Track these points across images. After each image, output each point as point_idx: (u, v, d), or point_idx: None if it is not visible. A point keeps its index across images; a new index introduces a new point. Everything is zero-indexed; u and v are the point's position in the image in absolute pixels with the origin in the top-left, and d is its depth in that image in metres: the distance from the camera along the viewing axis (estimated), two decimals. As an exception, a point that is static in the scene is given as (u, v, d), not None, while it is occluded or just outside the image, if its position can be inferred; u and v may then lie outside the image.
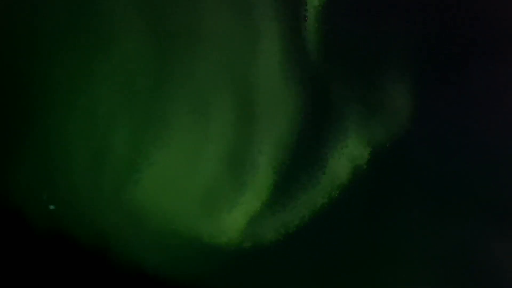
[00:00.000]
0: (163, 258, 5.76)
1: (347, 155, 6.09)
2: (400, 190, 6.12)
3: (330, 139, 6.11)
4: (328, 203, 6.02)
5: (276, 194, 6.02)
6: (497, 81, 6.34)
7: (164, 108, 5.90)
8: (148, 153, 5.86)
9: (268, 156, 6.03)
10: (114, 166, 5.83)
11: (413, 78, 6.30)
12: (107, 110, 5.91)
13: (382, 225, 6.02)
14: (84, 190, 5.82)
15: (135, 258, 5.70)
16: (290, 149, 6.07)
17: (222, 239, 5.78)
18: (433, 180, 6.13)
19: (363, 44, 6.25)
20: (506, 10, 6.43)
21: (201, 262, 5.81)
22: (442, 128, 6.25)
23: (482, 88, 6.28)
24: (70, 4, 6.11)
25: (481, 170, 6.12)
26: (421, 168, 6.13)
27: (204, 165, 5.97)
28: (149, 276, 5.70)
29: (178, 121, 5.96)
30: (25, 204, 5.71)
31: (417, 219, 6.07)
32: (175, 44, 6.07)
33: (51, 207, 5.69)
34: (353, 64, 6.28)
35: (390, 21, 6.32)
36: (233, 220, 5.87)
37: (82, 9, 6.12)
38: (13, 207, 5.68)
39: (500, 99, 6.29)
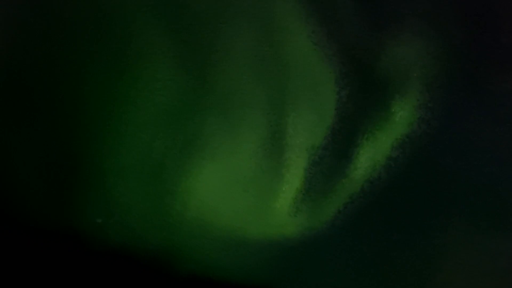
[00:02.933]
0: (223, 263, 5.95)
1: (377, 150, 6.24)
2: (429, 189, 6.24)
3: (360, 134, 6.25)
4: (358, 197, 6.19)
5: (310, 187, 6.18)
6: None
7: (202, 123, 6.05)
8: (194, 166, 6.02)
9: (303, 149, 6.19)
10: (165, 182, 6.02)
11: (442, 83, 6.41)
12: (152, 131, 6.06)
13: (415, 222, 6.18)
14: (140, 208, 6.00)
15: (196, 267, 5.89)
16: (324, 144, 6.20)
17: (273, 234, 5.96)
18: (462, 184, 6.24)
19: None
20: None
21: (257, 259, 6.00)
22: (470, 132, 6.34)
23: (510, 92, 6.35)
24: (104, 33, 6.21)
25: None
26: (449, 172, 6.24)
27: (243, 166, 6.14)
28: (212, 282, 5.88)
29: (217, 133, 6.13)
30: (81, 223, 5.87)
31: (452, 221, 6.20)
32: (206, 62, 6.19)
33: (98, 220, 5.86)
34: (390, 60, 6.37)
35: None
36: (280, 214, 6.05)
37: (114, 37, 6.23)
38: (70, 225, 5.85)
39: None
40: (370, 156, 6.26)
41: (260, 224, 6.13)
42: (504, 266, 6.11)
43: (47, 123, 6.09)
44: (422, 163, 6.25)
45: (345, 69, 6.32)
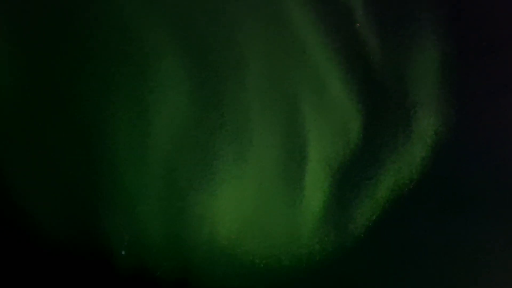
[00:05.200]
0: (243, 282, 5.83)
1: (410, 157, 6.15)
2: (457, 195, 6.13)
3: (393, 140, 6.17)
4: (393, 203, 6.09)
5: (335, 198, 6.10)
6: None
7: (221, 147, 6.05)
8: (217, 189, 6.02)
9: (326, 158, 6.13)
10: (187, 207, 6.02)
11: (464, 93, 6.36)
12: (173, 158, 6.08)
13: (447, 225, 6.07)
14: (162, 231, 6.01)
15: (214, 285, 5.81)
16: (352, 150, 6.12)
17: (296, 256, 5.87)
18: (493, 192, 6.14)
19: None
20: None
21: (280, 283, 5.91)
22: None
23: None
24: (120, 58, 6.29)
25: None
26: (476, 182, 6.14)
27: (264, 188, 6.11)
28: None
29: (237, 157, 6.14)
30: (109, 246, 5.87)
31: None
32: (225, 79, 6.22)
33: (122, 252, 5.86)
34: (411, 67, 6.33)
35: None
36: (303, 235, 5.96)
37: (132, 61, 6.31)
38: (98, 248, 5.83)
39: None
40: (395, 170, 6.19)
41: (283, 246, 6.05)
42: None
43: (73, 149, 6.14)
44: (448, 176, 6.16)
45: (366, 86, 6.29)
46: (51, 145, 6.20)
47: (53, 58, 6.23)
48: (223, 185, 6.03)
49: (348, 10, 6.35)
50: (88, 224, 6.00)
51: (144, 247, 6.02)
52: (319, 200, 6.16)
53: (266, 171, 6.10)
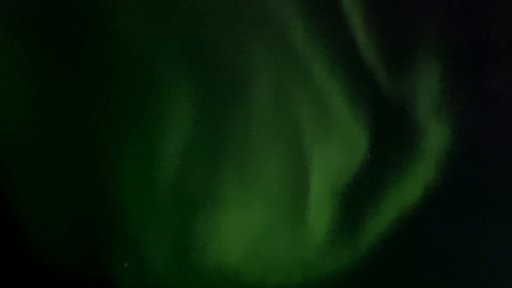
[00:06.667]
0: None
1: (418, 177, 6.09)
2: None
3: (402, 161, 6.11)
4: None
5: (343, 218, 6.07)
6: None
7: (225, 171, 6.04)
8: (221, 214, 6.00)
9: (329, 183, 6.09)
10: (192, 233, 6.02)
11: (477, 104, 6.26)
12: (177, 182, 6.07)
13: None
14: (167, 255, 6.01)
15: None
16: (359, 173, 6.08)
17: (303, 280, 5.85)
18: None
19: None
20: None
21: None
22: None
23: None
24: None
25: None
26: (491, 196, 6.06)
27: (271, 211, 6.08)
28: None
29: (241, 180, 6.11)
30: (109, 268, 5.89)
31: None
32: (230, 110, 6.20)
33: (125, 264, 5.84)
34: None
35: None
36: (309, 258, 5.93)
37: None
38: (97, 272, 5.87)
39: None
40: (404, 189, 6.12)
41: (291, 270, 6.02)
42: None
43: (77, 177, 6.18)
44: (461, 189, 6.09)
45: (372, 106, 6.23)
46: (56, 173, 6.24)
47: (64, 92, 6.29)
48: (228, 211, 6.01)
49: (353, 29, 6.29)
50: (91, 251, 6.03)
51: (148, 273, 6.04)
52: (326, 223, 6.11)
53: (271, 195, 6.05)
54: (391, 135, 6.03)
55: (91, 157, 5.89)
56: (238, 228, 5.88)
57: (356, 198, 5.90)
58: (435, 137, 6.09)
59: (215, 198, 5.87)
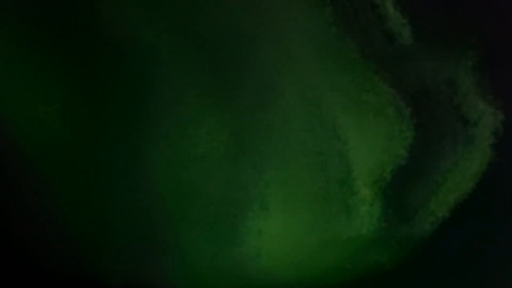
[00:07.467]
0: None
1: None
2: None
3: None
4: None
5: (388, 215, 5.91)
6: None
7: (265, 173, 5.88)
8: (260, 216, 5.84)
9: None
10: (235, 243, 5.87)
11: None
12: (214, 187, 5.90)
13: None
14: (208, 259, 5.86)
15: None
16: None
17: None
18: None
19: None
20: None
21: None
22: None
23: None
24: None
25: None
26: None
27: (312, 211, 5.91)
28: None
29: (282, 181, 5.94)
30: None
31: None
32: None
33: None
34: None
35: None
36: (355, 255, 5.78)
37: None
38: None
39: None
40: (451, 182, 5.93)
41: (340, 271, 5.85)
42: None
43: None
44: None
45: (415, 99, 6.04)
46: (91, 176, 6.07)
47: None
48: (269, 215, 5.83)
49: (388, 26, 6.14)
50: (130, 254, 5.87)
51: (192, 275, 5.87)
52: (372, 218, 5.91)
53: (311, 195, 5.85)
54: (438, 123, 5.85)
55: (126, 159, 5.70)
56: (281, 233, 5.71)
57: (401, 192, 5.71)
58: (485, 122, 5.90)
59: (258, 199, 5.70)
